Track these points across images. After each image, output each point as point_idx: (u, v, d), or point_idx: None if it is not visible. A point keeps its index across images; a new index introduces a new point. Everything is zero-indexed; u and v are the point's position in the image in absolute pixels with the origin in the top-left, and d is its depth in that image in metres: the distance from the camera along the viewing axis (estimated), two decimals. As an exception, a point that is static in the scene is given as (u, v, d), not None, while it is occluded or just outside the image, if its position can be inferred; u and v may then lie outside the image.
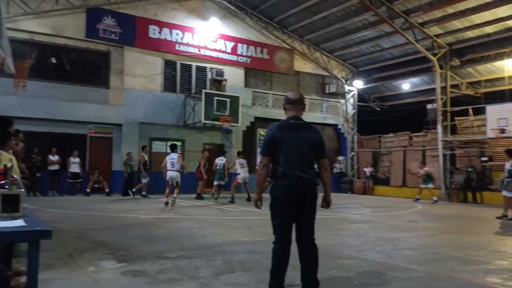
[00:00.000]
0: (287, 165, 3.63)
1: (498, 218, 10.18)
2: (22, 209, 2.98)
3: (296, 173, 3.62)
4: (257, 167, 19.55)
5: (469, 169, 16.33)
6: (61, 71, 15.90)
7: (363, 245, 6.44)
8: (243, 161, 14.88)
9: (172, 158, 11.83)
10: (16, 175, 3.52)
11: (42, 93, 15.18)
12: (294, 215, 3.66)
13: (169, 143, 17.78)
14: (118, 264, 4.88)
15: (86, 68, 16.49)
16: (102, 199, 14.35)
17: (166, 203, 11.47)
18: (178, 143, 18.07)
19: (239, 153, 15.56)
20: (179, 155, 12.34)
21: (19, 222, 2.65)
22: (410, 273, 4.76)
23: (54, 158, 15.05)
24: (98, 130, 16.58)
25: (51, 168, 15.02)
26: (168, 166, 11.74)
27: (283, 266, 3.63)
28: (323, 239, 6.92)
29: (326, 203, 3.90)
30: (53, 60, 15.49)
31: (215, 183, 14.65)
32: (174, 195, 11.64)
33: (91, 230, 7.47)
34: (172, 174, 11.70)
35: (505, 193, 10.18)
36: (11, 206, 2.90)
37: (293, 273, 3.98)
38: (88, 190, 15.40)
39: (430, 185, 16.21)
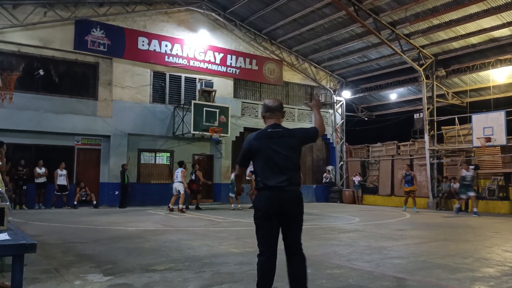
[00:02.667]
0: (266, 176, 3.51)
1: None
2: (7, 223, 2.95)
3: (276, 184, 3.48)
4: (247, 178, 19.62)
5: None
6: (49, 83, 15.80)
7: (351, 255, 6.45)
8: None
9: (177, 172, 14.43)
10: (1, 188, 3.48)
11: (29, 105, 15.05)
12: (277, 227, 3.52)
13: (158, 154, 17.89)
14: (105, 277, 4.82)
15: (74, 80, 16.41)
16: (90, 211, 14.19)
17: (171, 209, 14.00)
18: (167, 154, 18.08)
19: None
20: (183, 169, 14.41)
21: (3, 236, 2.63)
22: (398, 282, 4.78)
23: (41, 170, 14.88)
24: (86, 141, 16.46)
25: (38, 180, 14.83)
26: (174, 178, 14.47)
27: (268, 279, 3.54)
28: (312, 249, 6.92)
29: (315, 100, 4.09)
30: (41, 72, 15.39)
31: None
32: (180, 205, 13.97)
33: (77, 243, 7.37)
34: (174, 184, 14.27)
35: None
36: (-5, 219, 2.87)
37: (282, 284, 3.97)
38: (75, 202, 15.24)
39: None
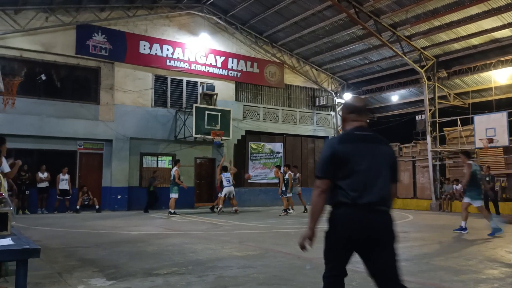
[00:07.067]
0: (354, 190, 2.73)
1: None
2: (10, 228, 2.95)
3: (368, 202, 2.73)
4: (250, 180, 19.63)
5: (487, 178, 14.47)
6: (51, 87, 15.85)
7: (355, 257, 6.41)
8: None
9: (227, 176, 15.11)
10: (4, 192, 3.48)
11: (31, 110, 15.09)
12: (350, 257, 2.88)
13: (160, 158, 17.91)
14: (108, 282, 4.82)
15: (76, 84, 16.45)
16: (92, 216, 14.20)
17: (221, 210, 14.95)
18: (169, 157, 18.08)
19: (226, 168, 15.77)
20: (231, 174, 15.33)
21: (6, 241, 2.63)
22: (402, 285, 4.75)
23: (43, 175, 14.90)
24: (88, 146, 16.49)
25: (40, 185, 14.85)
26: (225, 183, 14.96)
27: None
28: (315, 251, 6.90)
29: None
30: (43, 77, 15.44)
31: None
32: (235, 207, 15.14)
33: (80, 248, 7.37)
34: (230, 188, 14.98)
35: None
36: (-2, 224, 2.87)
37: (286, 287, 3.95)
38: (77, 207, 15.24)
39: None
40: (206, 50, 18.96)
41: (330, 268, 2.89)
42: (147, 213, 15.09)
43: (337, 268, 2.87)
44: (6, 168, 5.98)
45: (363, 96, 21.13)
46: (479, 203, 9.29)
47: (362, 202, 2.71)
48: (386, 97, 22.58)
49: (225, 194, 15.01)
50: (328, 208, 2.89)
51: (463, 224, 9.48)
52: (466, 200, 9.39)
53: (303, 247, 2.92)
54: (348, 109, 3.04)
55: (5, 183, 5.92)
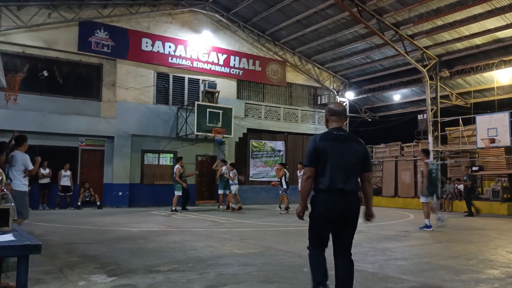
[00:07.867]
0: (331, 178, 3.48)
1: None
2: (12, 224, 2.96)
3: (340, 187, 3.48)
4: (251, 178, 19.67)
5: (464, 178, 15.09)
6: (53, 84, 15.86)
7: (355, 256, 6.38)
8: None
9: (236, 173, 15.17)
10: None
11: (33, 106, 15.11)
12: (330, 230, 3.60)
13: (162, 155, 17.92)
14: (108, 278, 4.83)
15: (78, 81, 16.47)
16: (93, 212, 14.22)
17: (233, 208, 14.98)
18: (170, 155, 18.09)
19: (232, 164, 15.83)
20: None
21: (8, 237, 2.64)
22: (402, 283, 4.76)
23: (45, 171, 14.92)
24: (90, 142, 16.50)
25: (42, 181, 14.88)
26: (236, 180, 15.08)
27: (325, 267, 3.58)
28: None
29: (369, 216, 3.84)
30: (45, 73, 15.44)
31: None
32: (239, 204, 15.18)
33: (81, 244, 7.39)
34: (237, 185, 15.22)
35: None
36: (0, 220, 2.88)
37: (286, 285, 3.96)
38: (79, 203, 15.27)
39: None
40: (208, 48, 18.95)
41: (313, 240, 3.60)
42: (185, 210, 14.69)
43: (319, 239, 3.58)
44: (29, 165, 6.69)
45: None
46: (423, 199, 10.10)
47: (336, 188, 3.45)
48: (388, 96, 22.56)
49: (235, 192, 15.20)
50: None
51: (427, 221, 10.00)
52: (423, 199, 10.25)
53: (300, 218, 3.74)
54: (330, 112, 3.77)
55: (26, 181, 6.38)
